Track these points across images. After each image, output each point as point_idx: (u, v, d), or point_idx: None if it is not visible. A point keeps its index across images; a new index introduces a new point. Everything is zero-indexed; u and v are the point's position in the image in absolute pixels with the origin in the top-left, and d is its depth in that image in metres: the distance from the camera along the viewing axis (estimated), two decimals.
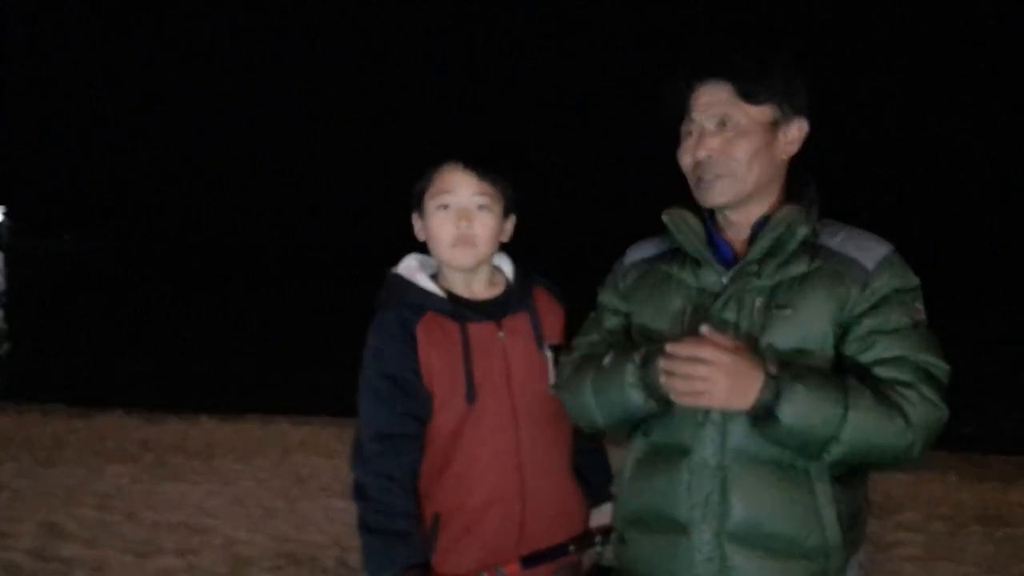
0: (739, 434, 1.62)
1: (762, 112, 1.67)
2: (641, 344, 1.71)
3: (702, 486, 1.64)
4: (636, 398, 1.65)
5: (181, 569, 4.28)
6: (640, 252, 1.87)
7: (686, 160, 1.73)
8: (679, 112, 1.74)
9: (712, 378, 1.50)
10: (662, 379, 1.57)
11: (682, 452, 1.67)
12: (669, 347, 1.54)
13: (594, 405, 1.72)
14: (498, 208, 1.86)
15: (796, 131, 1.71)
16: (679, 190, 1.78)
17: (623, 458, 1.80)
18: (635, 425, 1.75)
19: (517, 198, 1.91)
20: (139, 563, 4.35)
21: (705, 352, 1.50)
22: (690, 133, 1.72)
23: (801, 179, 1.75)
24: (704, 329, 1.53)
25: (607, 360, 1.71)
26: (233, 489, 5.78)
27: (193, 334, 18.38)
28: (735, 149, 1.67)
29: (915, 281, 1.67)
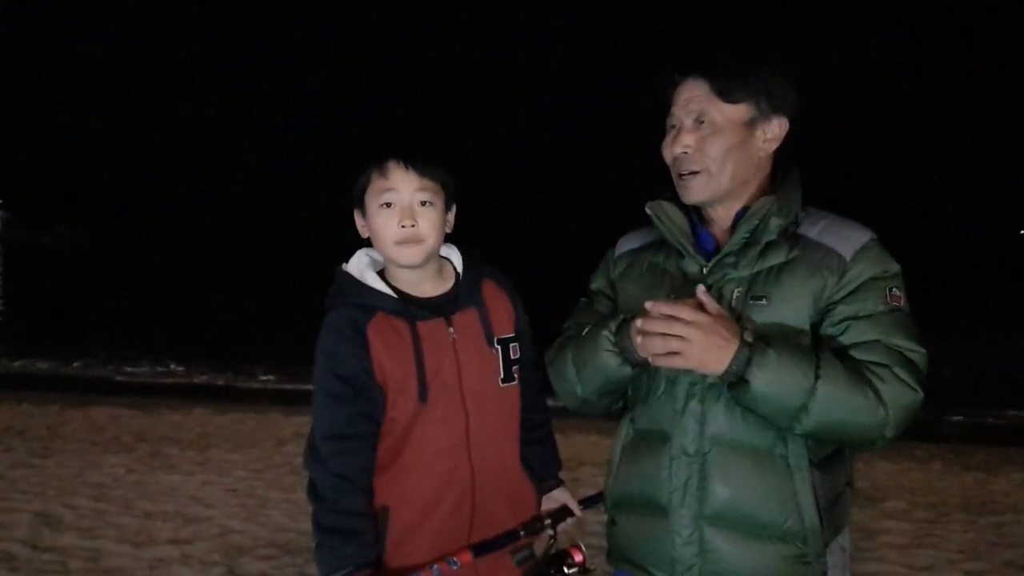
0: (718, 422, 1.66)
1: (738, 110, 1.70)
2: None
3: (681, 472, 1.69)
4: (611, 362, 1.69)
5: (176, 558, 4.32)
6: (630, 242, 1.91)
7: (666, 155, 1.77)
8: (662, 106, 1.77)
9: (688, 337, 1.53)
10: (638, 339, 1.61)
11: (663, 439, 1.72)
12: (649, 304, 1.57)
13: (574, 375, 1.77)
14: (440, 201, 1.83)
15: (776, 128, 1.72)
16: (664, 183, 1.81)
17: (611, 447, 1.85)
18: (616, 398, 1.81)
19: (458, 188, 1.89)
20: (134, 552, 4.40)
21: (685, 312, 1.54)
22: (672, 127, 1.76)
23: (785, 168, 1.76)
24: (700, 290, 1.57)
25: (585, 331, 1.76)
26: (227, 479, 5.83)
27: (185, 326, 18.38)
28: (709, 146, 1.70)
29: (895, 268, 1.67)
